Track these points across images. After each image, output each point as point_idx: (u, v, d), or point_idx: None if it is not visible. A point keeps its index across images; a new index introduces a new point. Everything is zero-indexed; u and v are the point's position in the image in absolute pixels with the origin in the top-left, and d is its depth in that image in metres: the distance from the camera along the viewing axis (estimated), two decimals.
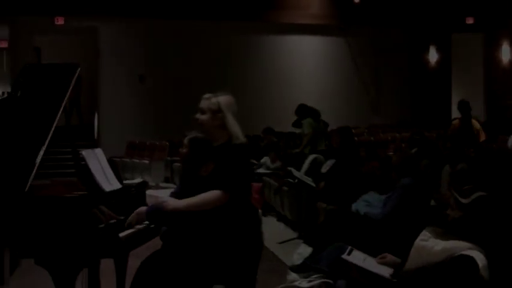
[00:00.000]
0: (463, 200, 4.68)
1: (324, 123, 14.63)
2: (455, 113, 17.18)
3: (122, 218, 5.48)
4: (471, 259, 4.44)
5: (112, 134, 19.62)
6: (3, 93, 20.88)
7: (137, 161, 18.54)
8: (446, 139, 12.86)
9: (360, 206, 8.01)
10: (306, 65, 21.65)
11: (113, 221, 5.37)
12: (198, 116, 5.49)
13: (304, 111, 14.23)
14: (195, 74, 20.26)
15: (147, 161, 18.32)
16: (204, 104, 5.51)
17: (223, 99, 5.44)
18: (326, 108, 16.85)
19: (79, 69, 5.90)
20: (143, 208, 5.38)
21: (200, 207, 5.09)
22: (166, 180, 18.02)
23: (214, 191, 5.07)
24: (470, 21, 21.59)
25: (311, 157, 11.92)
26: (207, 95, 5.57)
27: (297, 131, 15.43)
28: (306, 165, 11.77)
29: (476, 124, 12.31)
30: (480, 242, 4.54)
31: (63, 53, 19.59)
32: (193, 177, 5.29)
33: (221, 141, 5.32)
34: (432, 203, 7.73)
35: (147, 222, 5.47)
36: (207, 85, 20.21)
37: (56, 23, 19.40)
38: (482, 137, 12.24)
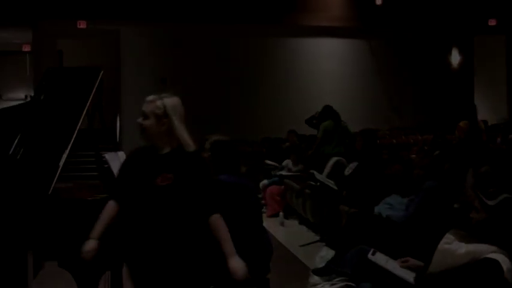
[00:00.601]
0: (489, 202, 4.64)
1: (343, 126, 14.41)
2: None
3: None
4: (496, 262, 4.40)
5: (134, 137, 19.57)
6: (26, 96, 21.04)
7: None
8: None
9: (382, 208, 7.99)
10: (327, 68, 21.57)
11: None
12: (141, 120, 4.90)
13: (325, 113, 14.10)
14: (215, 77, 20.26)
15: None
16: (147, 107, 4.92)
17: (169, 102, 4.91)
18: (347, 110, 16.77)
19: (102, 72, 5.92)
20: None
21: None
22: None
23: (219, 219, 4.65)
24: (492, 23, 21.45)
25: (333, 159, 11.88)
26: (150, 97, 4.99)
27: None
28: (328, 168, 11.74)
29: (481, 125, 12.47)
30: (505, 245, 4.51)
31: (85, 56, 19.65)
32: (148, 186, 4.76)
33: (169, 149, 4.81)
34: (456, 205, 7.70)
35: None
36: (228, 88, 20.31)
37: (78, 26, 19.47)
38: (484, 138, 12.48)
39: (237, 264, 4.60)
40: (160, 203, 4.61)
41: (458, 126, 12.16)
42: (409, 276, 5.00)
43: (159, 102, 4.88)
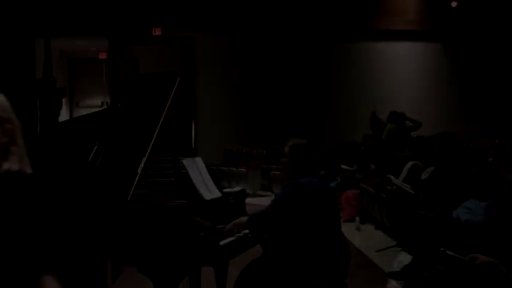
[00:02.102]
0: None
1: (407, 129, 14.41)
2: None
3: (221, 226, 5.49)
4: None
5: (209, 143, 19.78)
6: (102, 103, 21.35)
7: (234, 169, 18.61)
8: None
9: (460, 213, 7.88)
10: (402, 71, 21.43)
11: (213, 229, 5.40)
12: None
13: (391, 118, 14.28)
14: (290, 82, 20.30)
15: (244, 169, 18.39)
16: None
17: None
18: (422, 114, 16.64)
19: (179, 79, 5.96)
20: (244, 219, 5.38)
21: None
22: (263, 188, 18.05)
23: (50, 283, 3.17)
24: None
25: (409, 164, 11.78)
26: None
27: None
28: (404, 172, 11.65)
29: None
30: None
31: (160, 63, 19.86)
32: None
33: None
34: None
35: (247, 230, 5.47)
36: (302, 92, 20.33)
37: (153, 33, 19.70)
38: None
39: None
40: None
41: None
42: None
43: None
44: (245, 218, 5.38)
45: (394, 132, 13.84)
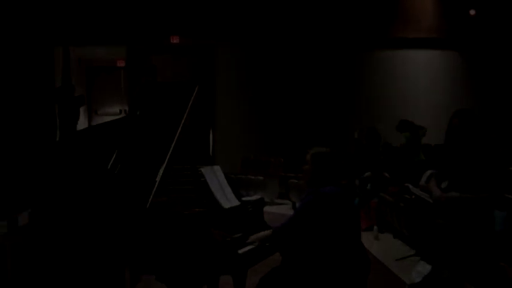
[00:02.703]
0: None
1: (420, 135, 14.77)
2: None
3: (239, 235, 5.48)
4: None
5: (227, 151, 19.75)
6: (120, 111, 21.38)
7: (252, 177, 18.58)
8: None
9: None
10: (421, 79, 21.36)
11: (231, 238, 5.38)
12: None
13: (403, 126, 14.62)
14: (309, 90, 20.28)
15: (261, 178, 18.34)
16: None
17: None
18: (442, 122, 16.56)
19: (197, 87, 5.96)
20: (266, 232, 5.37)
21: None
22: (281, 196, 18.00)
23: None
24: None
25: (428, 172, 11.70)
26: None
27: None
28: (423, 181, 11.58)
29: None
30: None
31: (178, 71, 19.88)
32: None
33: None
34: None
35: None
36: (322, 101, 20.29)
37: (171, 41, 19.72)
38: None
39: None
40: None
41: None
42: None
43: None
44: (268, 232, 5.37)
45: (410, 140, 14.26)
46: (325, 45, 20.52)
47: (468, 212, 6.57)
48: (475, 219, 6.59)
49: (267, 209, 6.91)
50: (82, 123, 17.67)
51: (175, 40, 19.70)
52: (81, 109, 16.68)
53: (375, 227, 12.25)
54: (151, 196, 5.27)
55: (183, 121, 5.73)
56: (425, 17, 21.21)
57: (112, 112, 21.17)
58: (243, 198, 6.23)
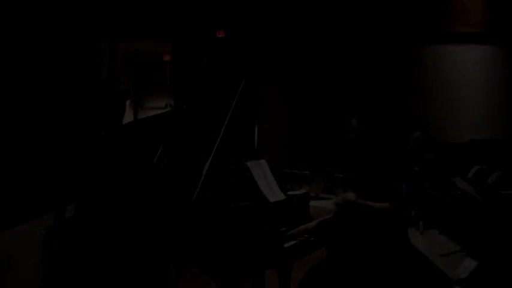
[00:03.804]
0: None
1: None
2: None
3: (284, 229, 5.48)
4: None
5: (272, 145, 19.75)
6: (166, 105, 21.50)
7: (297, 171, 18.55)
8: None
9: None
10: (468, 75, 21.17)
11: (276, 232, 5.38)
12: None
13: (415, 124, 14.68)
14: (358, 86, 20.20)
15: (307, 172, 18.30)
16: None
17: None
18: (489, 118, 16.44)
19: (244, 81, 5.96)
20: (311, 224, 5.36)
21: None
22: (326, 190, 17.95)
23: None
24: None
25: (475, 168, 11.62)
26: None
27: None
28: (470, 175, 11.49)
29: None
30: None
31: (224, 65, 19.91)
32: None
33: None
34: None
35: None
36: (371, 96, 20.20)
37: (217, 35, 19.77)
38: None
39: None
40: None
41: None
42: None
43: None
44: (312, 223, 5.36)
45: (422, 138, 14.34)
46: (374, 40, 20.42)
47: None
48: None
49: (312, 203, 6.90)
50: (128, 117, 17.78)
51: (221, 34, 19.74)
52: (127, 103, 16.83)
53: (420, 223, 12.17)
54: (197, 189, 5.28)
55: (229, 115, 5.74)
56: (472, 12, 21.03)
57: (157, 106, 21.29)
58: (289, 193, 6.23)
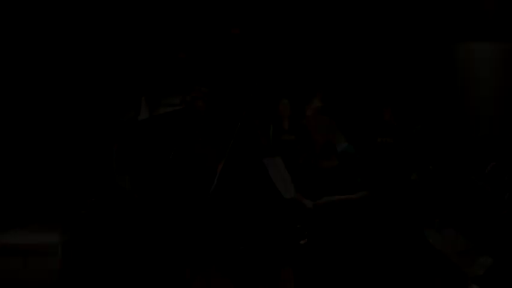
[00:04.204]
0: None
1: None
2: None
3: (299, 226, 5.48)
4: None
5: None
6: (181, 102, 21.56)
7: None
8: None
9: None
10: (482, 73, 21.08)
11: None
12: None
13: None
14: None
15: None
16: None
17: None
18: (504, 115, 16.36)
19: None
20: None
21: None
22: None
23: None
24: None
25: (492, 164, 11.61)
26: None
27: None
28: (486, 172, 11.48)
29: None
30: None
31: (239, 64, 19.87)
32: None
33: None
34: None
35: None
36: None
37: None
38: None
39: None
40: None
41: None
42: None
43: None
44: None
45: (424, 132, 14.42)
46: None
47: None
48: None
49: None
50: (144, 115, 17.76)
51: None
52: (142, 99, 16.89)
53: (437, 221, 12.15)
54: (212, 187, 5.30)
55: (243, 114, 5.76)
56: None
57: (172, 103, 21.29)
58: None
